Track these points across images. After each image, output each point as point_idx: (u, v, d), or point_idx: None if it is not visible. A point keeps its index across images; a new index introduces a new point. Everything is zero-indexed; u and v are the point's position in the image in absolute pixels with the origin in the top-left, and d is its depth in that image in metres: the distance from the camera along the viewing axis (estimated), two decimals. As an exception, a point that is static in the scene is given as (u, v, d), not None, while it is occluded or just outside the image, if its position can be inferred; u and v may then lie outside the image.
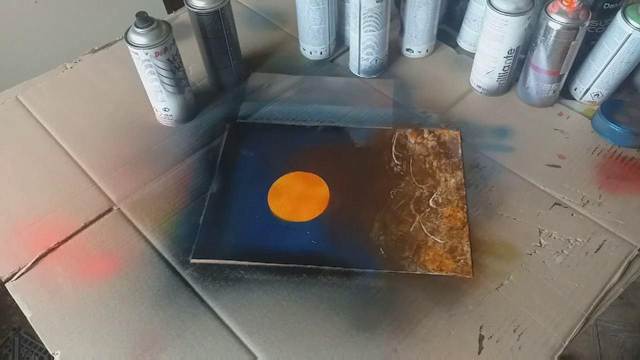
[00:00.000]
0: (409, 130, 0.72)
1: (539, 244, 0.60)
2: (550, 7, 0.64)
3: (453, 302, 0.56)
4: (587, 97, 0.74)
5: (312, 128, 0.73)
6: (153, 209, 0.65)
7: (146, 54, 0.64)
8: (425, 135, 0.71)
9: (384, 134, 0.72)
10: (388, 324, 0.54)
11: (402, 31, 0.81)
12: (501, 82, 0.74)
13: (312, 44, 0.81)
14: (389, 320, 0.55)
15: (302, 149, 0.70)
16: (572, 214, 0.62)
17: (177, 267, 0.59)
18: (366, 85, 0.79)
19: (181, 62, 0.69)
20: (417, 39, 0.80)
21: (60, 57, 0.85)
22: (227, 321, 0.55)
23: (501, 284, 0.57)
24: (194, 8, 0.68)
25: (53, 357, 0.53)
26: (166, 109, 0.71)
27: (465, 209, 0.63)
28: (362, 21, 0.71)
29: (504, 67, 0.72)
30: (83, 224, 0.63)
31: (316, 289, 0.57)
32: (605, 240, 0.60)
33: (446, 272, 0.58)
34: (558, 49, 0.66)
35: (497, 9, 0.66)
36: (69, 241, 0.62)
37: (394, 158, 0.69)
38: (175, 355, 0.53)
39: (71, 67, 0.83)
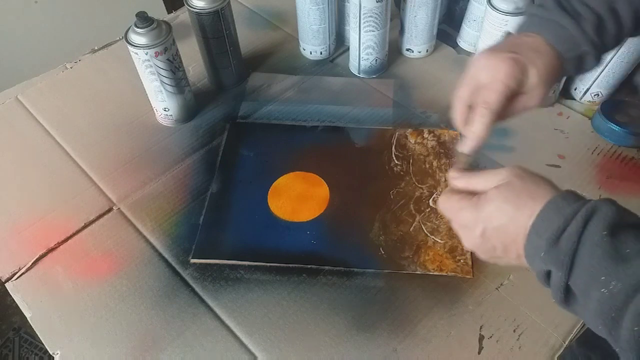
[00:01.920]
0: (409, 130, 0.72)
1: (539, 244, 0.60)
2: (550, 7, 0.64)
3: (453, 302, 0.56)
4: (587, 97, 0.74)
5: (312, 128, 0.73)
6: (153, 209, 0.65)
7: (146, 54, 0.64)
8: (425, 135, 0.71)
9: (384, 134, 0.72)
10: (388, 324, 0.54)
11: (402, 31, 0.81)
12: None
13: (312, 44, 0.81)
14: (389, 320, 0.55)
15: (302, 149, 0.70)
16: (572, 214, 0.62)
17: (177, 267, 0.59)
18: (366, 85, 0.79)
19: (181, 62, 0.69)
20: (417, 39, 0.80)
21: (60, 57, 0.85)
22: (227, 321, 0.55)
23: (501, 284, 0.57)
24: (194, 8, 0.68)
25: (53, 357, 0.53)
26: (166, 109, 0.71)
27: (465, 209, 0.63)
28: (362, 21, 0.71)
29: (504, 67, 0.72)
30: (83, 224, 0.63)
31: (316, 289, 0.57)
32: (605, 240, 0.60)
33: (446, 272, 0.58)
34: (558, 49, 0.66)
35: (497, 9, 0.66)
36: (69, 241, 0.62)
37: (394, 158, 0.69)
38: (175, 355, 0.53)
39: (71, 67, 0.83)
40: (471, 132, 0.46)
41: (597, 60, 0.48)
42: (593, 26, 0.45)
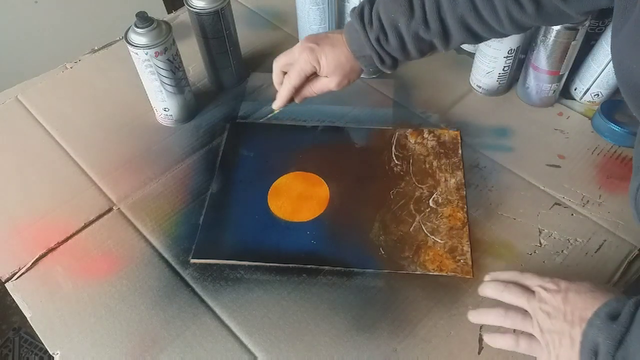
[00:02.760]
0: (409, 130, 0.72)
1: (539, 244, 0.60)
2: (550, 7, 0.64)
3: (453, 302, 0.56)
4: (587, 97, 0.74)
5: (312, 128, 0.73)
6: (153, 209, 0.65)
7: (146, 54, 0.64)
8: (425, 135, 0.71)
9: (384, 134, 0.72)
10: (388, 324, 0.54)
11: (402, 31, 0.81)
12: (501, 82, 0.74)
13: (312, 44, 0.81)
14: (389, 320, 0.55)
15: (302, 149, 0.70)
16: (572, 214, 0.62)
17: (177, 267, 0.59)
18: (366, 85, 0.79)
19: (181, 62, 0.69)
20: (417, 39, 0.80)
21: (60, 57, 0.85)
22: (227, 321, 0.55)
23: (501, 284, 0.57)
24: (194, 8, 0.68)
25: (53, 357, 0.53)
26: (166, 109, 0.71)
27: (465, 209, 0.63)
28: (362, 21, 0.71)
29: (504, 67, 0.72)
30: (83, 224, 0.63)
31: (316, 289, 0.57)
32: (605, 240, 0.60)
33: (446, 272, 0.58)
34: (558, 49, 0.66)
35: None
36: (69, 241, 0.62)
37: (394, 158, 0.69)
38: (175, 355, 0.53)
39: (71, 67, 0.83)
40: (279, 94, 0.63)
41: (388, 63, 0.59)
42: (375, 36, 0.57)
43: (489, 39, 0.61)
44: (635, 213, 0.51)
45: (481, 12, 0.53)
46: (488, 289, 0.52)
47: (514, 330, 0.49)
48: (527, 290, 0.49)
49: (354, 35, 0.58)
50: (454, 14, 0.54)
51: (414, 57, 0.59)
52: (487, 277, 0.54)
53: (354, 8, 0.59)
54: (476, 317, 0.52)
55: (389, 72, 0.61)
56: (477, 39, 0.57)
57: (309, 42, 0.60)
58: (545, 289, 0.48)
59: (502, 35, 0.57)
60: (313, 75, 0.62)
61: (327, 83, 0.62)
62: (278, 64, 0.62)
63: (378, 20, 0.56)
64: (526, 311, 0.48)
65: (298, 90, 0.62)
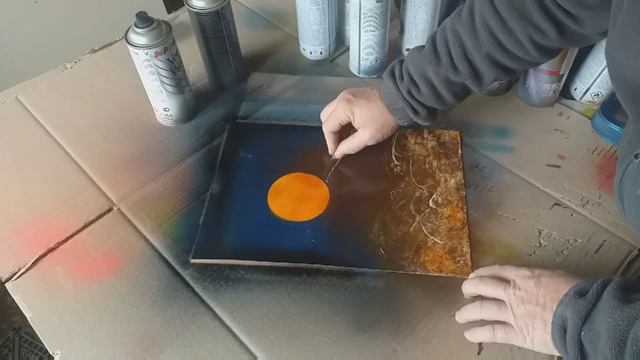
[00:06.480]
0: (409, 130, 0.72)
1: (538, 245, 0.60)
2: (550, 7, 0.64)
3: (453, 302, 0.56)
4: (587, 97, 0.74)
5: (312, 128, 0.73)
6: (153, 209, 0.65)
7: (146, 54, 0.64)
8: (425, 135, 0.71)
9: (384, 134, 0.72)
10: (388, 324, 0.54)
11: (402, 31, 0.81)
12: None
13: (312, 44, 0.81)
14: (389, 320, 0.55)
15: (302, 149, 0.70)
16: (572, 214, 0.62)
17: (177, 267, 0.59)
18: (366, 86, 0.79)
19: (181, 62, 0.69)
20: (417, 39, 0.80)
21: (60, 57, 0.85)
22: (227, 321, 0.55)
23: (501, 284, 0.57)
24: (194, 8, 0.68)
25: (53, 357, 0.53)
26: (166, 109, 0.71)
27: (465, 210, 0.63)
28: (362, 21, 0.71)
29: (504, 67, 0.72)
30: (83, 224, 0.63)
31: (316, 289, 0.57)
32: (605, 241, 0.60)
33: (446, 273, 0.58)
34: (558, 49, 0.66)
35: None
36: (69, 241, 0.62)
37: (394, 158, 0.69)
38: (175, 355, 0.53)
39: (71, 67, 0.83)
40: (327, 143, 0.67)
41: (423, 114, 0.62)
42: (407, 89, 0.60)
43: (520, 70, 0.62)
44: (620, 202, 0.53)
45: (505, 45, 0.54)
46: (467, 286, 0.54)
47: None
48: (504, 281, 0.51)
49: (387, 90, 0.62)
50: (479, 53, 0.55)
51: (450, 101, 0.61)
52: (471, 275, 0.56)
53: (387, 68, 0.63)
54: (460, 316, 0.54)
55: (426, 123, 0.64)
56: (508, 72, 0.59)
57: (347, 94, 0.64)
58: (520, 277, 0.50)
59: (531, 64, 0.59)
60: (349, 129, 0.66)
61: (361, 137, 0.65)
62: (324, 115, 0.67)
63: (408, 74, 0.60)
64: (501, 301, 0.50)
65: (336, 142, 0.66)
